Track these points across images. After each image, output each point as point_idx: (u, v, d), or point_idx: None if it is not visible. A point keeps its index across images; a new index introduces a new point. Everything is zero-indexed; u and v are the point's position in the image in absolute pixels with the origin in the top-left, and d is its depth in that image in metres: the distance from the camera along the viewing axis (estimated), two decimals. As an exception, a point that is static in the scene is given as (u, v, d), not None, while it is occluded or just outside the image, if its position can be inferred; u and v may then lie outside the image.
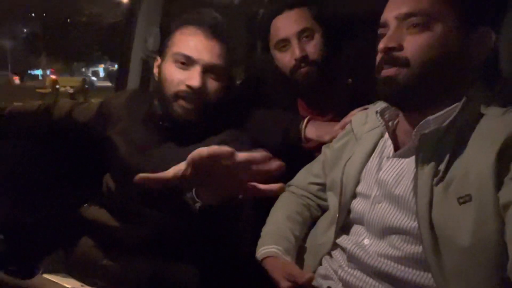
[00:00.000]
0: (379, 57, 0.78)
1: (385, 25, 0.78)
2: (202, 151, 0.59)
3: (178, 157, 1.05)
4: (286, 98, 1.30)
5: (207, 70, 1.01)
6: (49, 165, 1.28)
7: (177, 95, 1.01)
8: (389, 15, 0.77)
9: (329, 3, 1.26)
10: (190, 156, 0.61)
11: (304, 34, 1.18)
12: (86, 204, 1.23)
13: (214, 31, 1.02)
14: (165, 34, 1.10)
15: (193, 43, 1.01)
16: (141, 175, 0.63)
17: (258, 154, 0.59)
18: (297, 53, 1.17)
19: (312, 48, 1.19)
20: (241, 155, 0.58)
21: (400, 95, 0.77)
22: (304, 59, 1.18)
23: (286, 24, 1.19)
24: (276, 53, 1.24)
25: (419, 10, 0.73)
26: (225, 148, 0.58)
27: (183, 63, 1.01)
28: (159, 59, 1.10)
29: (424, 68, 0.73)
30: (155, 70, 1.11)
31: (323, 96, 1.26)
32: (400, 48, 0.74)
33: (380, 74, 0.78)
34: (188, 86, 0.99)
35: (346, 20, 1.32)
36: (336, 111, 1.25)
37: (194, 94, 1.00)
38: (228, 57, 1.04)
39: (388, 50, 0.75)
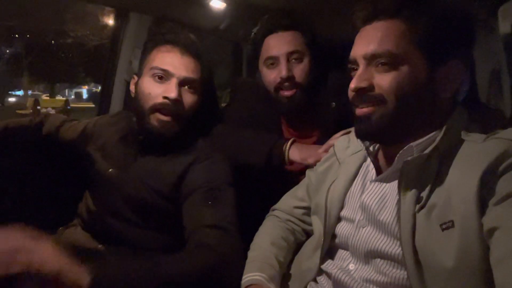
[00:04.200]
0: (351, 94, 0.79)
1: (354, 63, 0.79)
2: None
3: (154, 171, 1.06)
4: (270, 118, 1.31)
5: (183, 83, 1.07)
6: (23, 185, 1.23)
7: (154, 108, 1.05)
8: (357, 53, 0.78)
9: (321, 31, 1.29)
10: None
11: (293, 56, 1.21)
12: (61, 228, 1.18)
13: (189, 49, 1.09)
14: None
15: (169, 59, 1.08)
16: None
17: None
18: (284, 72, 1.19)
19: (299, 71, 1.21)
20: None
21: (374, 133, 0.78)
22: (289, 79, 1.20)
23: (278, 43, 1.22)
24: (264, 69, 1.25)
25: (385, 51, 0.74)
26: None
27: (160, 77, 1.06)
28: (135, 77, 1.15)
29: (398, 104, 0.74)
30: (132, 88, 1.15)
31: (306, 118, 1.27)
32: (371, 87, 0.75)
33: (355, 112, 0.79)
34: (165, 98, 1.04)
35: (336, 47, 1.35)
36: (319, 133, 1.26)
37: (171, 105, 1.04)
38: (202, 72, 1.11)
39: (359, 90, 0.76)
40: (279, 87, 1.22)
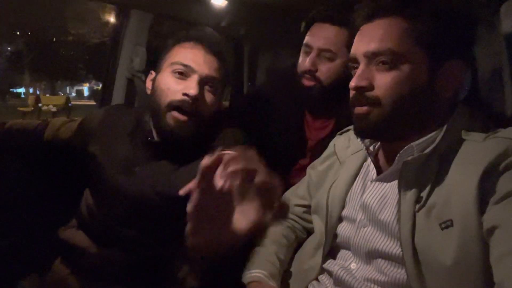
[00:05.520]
0: (351, 93, 0.78)
1: (355, 61, 0.79)
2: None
3: (164, 177, 1.01)
4: (294, 108, 1.31)
5: (204, 81, 1.01)
6: (26, 185, 1.23)
7: (172, 105, 0.99)
8: (358, 51, 0.77)
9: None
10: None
11: (324, 54, 1.19)
12: (62, 227, 1.18)
13: (213, 47, 1.04)
14: (153, 53, 1.12)
15: (192, 55, 1.02)
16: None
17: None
18: (307, 65, 1.20)
19: (325, 69, 1.20)
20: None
21: (372, 132, 0.78)
22: (310, 72, 1.20)
23: (317, 35, 1.21)
24: (302, 52, 1.26)
25: (386, 49, 0.73)
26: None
27: (181, 73, 1.00)
28: (153, 73, 1.09)
29: (395, 106, 0.73)
30: (148, 84, 1.10)
31: (327, 114, 1.27)
32: (371, 87, 0.75)
33: (354, 110, 0.79)
34: (185, 94, 0.98)
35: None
36: (334, 125, 1.25)
37: (190, 103, 0.98)
38: (223, 72, 1.05)
39: (359, 89, 0.76)
40: (301, 74, 1.22)
